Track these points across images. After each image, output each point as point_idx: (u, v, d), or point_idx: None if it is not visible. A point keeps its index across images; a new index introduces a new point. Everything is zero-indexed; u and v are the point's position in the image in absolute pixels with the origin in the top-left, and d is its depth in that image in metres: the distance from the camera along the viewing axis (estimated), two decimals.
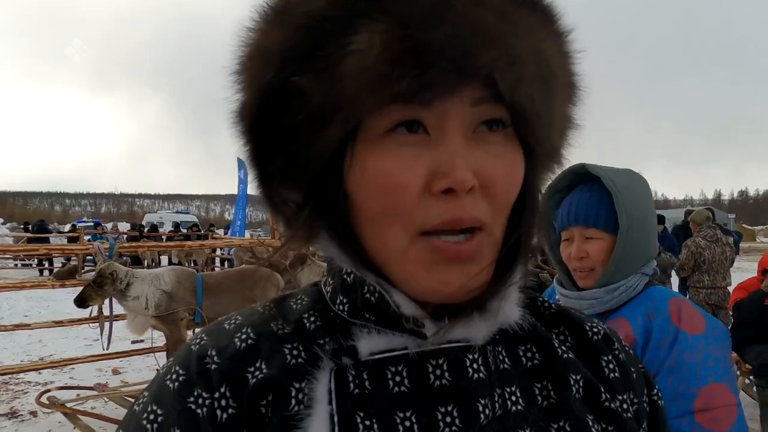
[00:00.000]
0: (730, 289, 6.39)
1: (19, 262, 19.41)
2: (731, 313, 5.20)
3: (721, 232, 6.92)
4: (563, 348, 0.55)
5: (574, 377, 0.53)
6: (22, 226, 25.35)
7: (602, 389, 0.53)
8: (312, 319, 0.51)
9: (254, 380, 0.47)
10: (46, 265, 18.24)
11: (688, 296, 6.53)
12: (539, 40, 0.45)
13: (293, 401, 0.46)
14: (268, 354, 0.48)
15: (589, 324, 0.58)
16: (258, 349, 0.49)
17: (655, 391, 0.59)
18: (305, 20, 0.44)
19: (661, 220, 8.25)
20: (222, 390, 0.47)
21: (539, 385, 0.52)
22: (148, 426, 0.46)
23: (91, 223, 29.61)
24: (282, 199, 0.51)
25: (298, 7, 0.45)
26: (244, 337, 0.50)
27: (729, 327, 5.76)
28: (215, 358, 0.48)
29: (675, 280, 7.67)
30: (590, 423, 0.51)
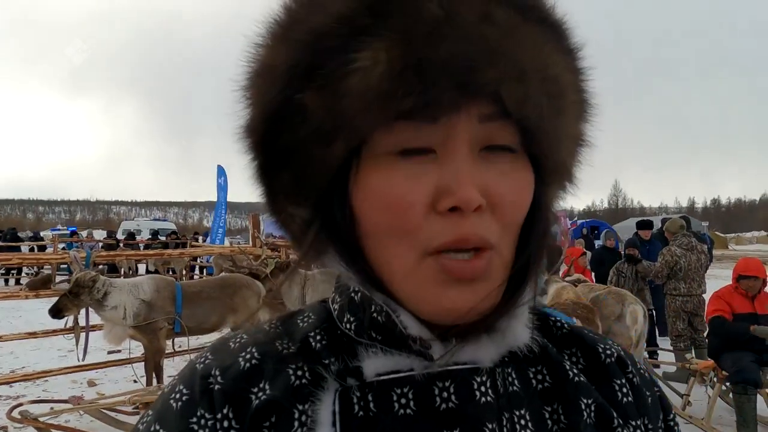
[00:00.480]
0: (706, 296, 6.52)
1: None
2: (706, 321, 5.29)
3: (696, 240, 7.06)
4: (575, 371, 0.53)
5: (585, 401, 0.51)
6: None
7: (614, 414, 0.52)
8: (318, 338, 0.50)
9: (257, 401, 0.46)
10: (14, 274, 17.79)
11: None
12: (547, 56, 0.44)
13: (296, 423, 0.45)
14: (272, 375, 0.47)
15: (603, 345, 0.57)
16: (262, 369, 0.48)
17: (671, 416, 0.57)
18: (307, 37, 0.43)
19: (648, 224, 8.40)
20: (225, 411, 0.46)
21: (549, 409, 0.50)
22: None
23: (66, 231, 29.05)
24: (289, 215, 0.51)
25: (302, 24, 0.44)
26: (248, 356, 0.49)
27: (705, 334, 5.87)
28: (219, 378, 0.47)
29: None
30: None
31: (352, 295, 0.50)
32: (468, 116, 0.42)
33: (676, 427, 0.57)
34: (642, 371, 0.57)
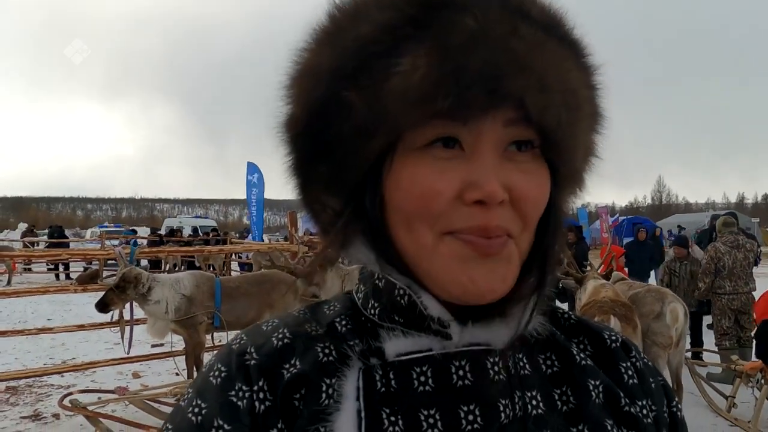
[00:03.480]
0: (755, 294, 6.28)
1: (32, 266, 19.62)
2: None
3: (743, 237, 6.81)
4: (581, 356, 0.57)
5: (593, 383, 0.55)
6: (30, 230, 25.59)
7: (622, 394, 0.56)
8: (344, 323, 0.55)
9: (288, 375, 0.51)
10: (63, 270, 18.53)
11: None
12: (567, 71, 0.48)
13: (323, 395, 0.50)
14: (302, 352, 0.52)
15: (608, 333, 0.61)
16: (293, 347, 0.53)
17: (675, 402, 0.61)
18: (353, 43, 0.48)
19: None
20: (260, 384, 0.51)
21: (559, 391, 0.55)
22: (193, 418, 0.50)
23: (114, 228, 30.05)
24: (322, 205, 0.55)
25: (348, 31, 0.49)
26: (280, 336, 0.54)
27: (753, 333, 5.65)
28: (254, 355, 0.52)
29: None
30: (609, 427, 0.53)
31: (377, 282, 0.55)
32: (494, 120, 0.47)
33: (679, 413, 0.60)
34: (645, 359, 0.61)
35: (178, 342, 5.66)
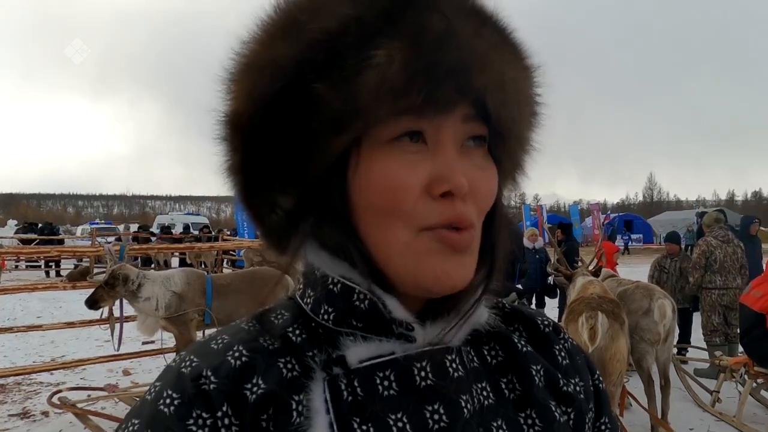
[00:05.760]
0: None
1: (24, 263, 19.49)
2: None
3: (732, 233, 6.86)
4: (522, 342, 0.60)
5: (535, 368, 0.58)
6: (21, 225, 25.41)
7: (559, 375, 0.59)
8: (297, 332, 0.53)
9: (254, 396, 0.48)
10: (53, 267, 18.41)
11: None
12: (517, 71, 0.51)
13: (294, 414, 0.48)
14: (263, 369, 0.50)
15: (540, 318, 0.64)
16: (253, 365, 0.50)
17: (596, 375, 0.65)
18: (320, 36, 0.47)
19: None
20: (224, 409, 0.47)
21: (505, 380, 0.57)
22: None
23: (104, 225, 29.87)
24: (270, 206, 0.53)
25: (309, 24, 0.48)
26: (237, 354, 0.50)
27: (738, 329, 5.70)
28: (212, 378, 0.48)
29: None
30: (553, 408, 0.56)
31: (331, 286, 0.53)
32: (454, 116, 0.49)
33: (600, 384, 0.64)
34: (570, 339, 0.65)
35: (168, 339, 5.64)
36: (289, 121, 0.48)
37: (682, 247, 7.28)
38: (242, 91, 0.51)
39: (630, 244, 32.77)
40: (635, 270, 12.41)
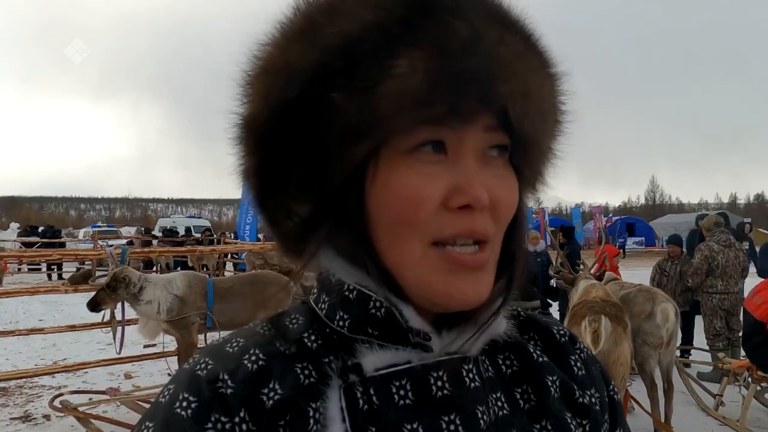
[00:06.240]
0: (743, 295, 6.31)
1: (26, 266, 19.51)
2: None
3: (733, 237, 6.85)
4: (537, 352, 0.59)
5: (550, 378, 0.57)
6: (23, 229, 25.44)
7: (575, 387, 0.58)
8: (312, 338, 0.52)
9: (271, 402, 0.47)
10: (55, 270, 18.43)
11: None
12: (542, 79, 0.50)
13: (311, 421, 0.47)
14: (280, 374, 0.49)
15: (556, 327, 0.63)
16: (270, 369, 0.49)
17: (611, 386, 0.64)
18: (338, 41, 0.46)
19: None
20: (242, 414, 0.47)
21: (520, 390, 0.55)
22: None
23: (107, 228, 29.94)
24: (286, 212, 0.52)
25: (327, 27, 0.47)
26: (254, 358, 0.50)
27: (740, 333, 5.68)
28: (229, 382, 0.48)
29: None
30: (568, 420, 0.55)
31: (347, 293, 0.52)
32: (476, 125, 0.48)
33: (615, 396, 0.64)
34: (586, 349, 0.64)
35: (170, 342, 5.64)
36: (306, 128, 0.47)
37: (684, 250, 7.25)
38: (258, 95, 0.50)
39: (626, 246, 32.66)
40: (636, 273, 12.37)
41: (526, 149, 0.51)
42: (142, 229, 27.74)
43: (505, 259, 0.53)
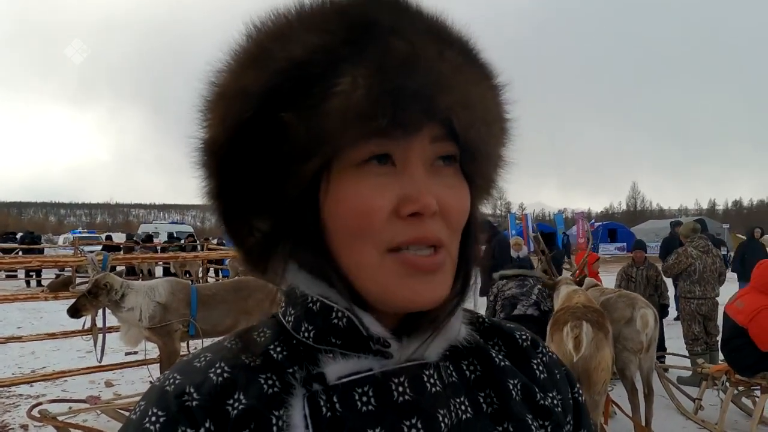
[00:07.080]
0: (719, 299, 6.42)
1: (3, 273, 19.14)
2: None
3: (711, 243, 6.96)
4: (500, 357, 0.61)
5: (512, 382, 0.59)
6: (2, 235, 25.00)
7: (536, 389, 0.60)
8: (278, 349, 0.55)
9: (235, 411, 0.50)
10: (34, 276, 18.12)
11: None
12: (483, 90, 0.53)
13: (275, 429, 0.49)
14: (245, 385, 0.51)
15: (519, 333, 0.66)
16: (234, 381, 0.51)
17: (576, 388, 0.66)
18: (287, 64, 0.49)
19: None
20: (207, 425, 0.49)
21: (483, 394, 0.58)
22: None
23: (87, 234, 29.53)
24: (249, 228, 0.55)
25: (276, 53, 0.50)
26: (219, 371, 0.52)
27: (718, 338, 5.78)
28: (194, 395, 0.50)
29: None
30: (530, 422, 0.58)
31: (310, 305, 0.54)
32: (422, 137, 0.50)
33: (580, 398, 0.66)
34: (549, 353, 0.67)
35: (152, 350, 5.58)
36: (261, 148, 0.50)
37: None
38: (216, 119, 0.53)
39: (609, 252, 32.97)
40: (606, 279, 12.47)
41: (475, 157, 0.54)
42: (124, 235, 27.42)
43: (460, 263, 0.55)
